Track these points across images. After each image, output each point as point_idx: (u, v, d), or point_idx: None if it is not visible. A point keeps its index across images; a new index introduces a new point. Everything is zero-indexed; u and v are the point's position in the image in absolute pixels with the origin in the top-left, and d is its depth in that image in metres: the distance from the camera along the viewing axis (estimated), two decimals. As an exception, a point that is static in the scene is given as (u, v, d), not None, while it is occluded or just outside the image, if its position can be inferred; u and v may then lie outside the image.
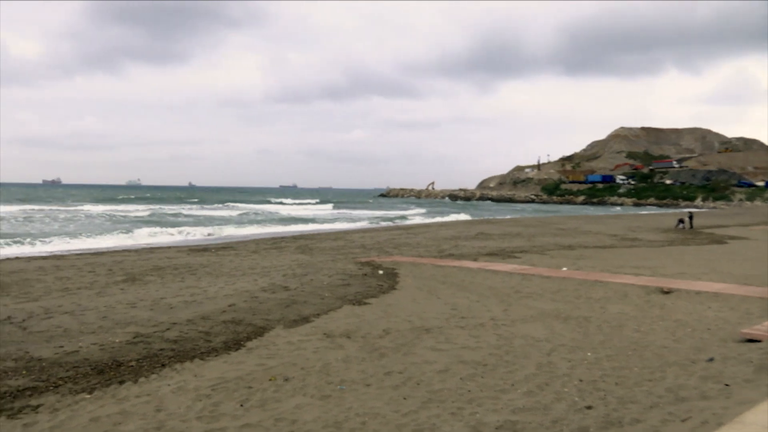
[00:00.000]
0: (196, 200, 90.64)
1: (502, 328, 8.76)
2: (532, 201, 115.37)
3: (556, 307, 10.33)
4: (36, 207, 55.09)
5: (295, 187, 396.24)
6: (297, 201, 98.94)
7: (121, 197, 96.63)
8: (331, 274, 14.21)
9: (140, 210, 56.24)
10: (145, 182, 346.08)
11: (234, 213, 54.23)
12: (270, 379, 6.33)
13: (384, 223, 43.18)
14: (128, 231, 30.64)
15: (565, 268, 15.30)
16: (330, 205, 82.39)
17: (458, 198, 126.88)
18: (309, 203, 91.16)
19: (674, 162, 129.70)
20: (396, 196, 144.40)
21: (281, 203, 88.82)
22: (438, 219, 50.35)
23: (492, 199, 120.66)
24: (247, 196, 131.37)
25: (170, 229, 30.09)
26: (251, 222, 40.54)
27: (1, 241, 23.49)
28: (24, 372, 6.61)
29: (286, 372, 6.60)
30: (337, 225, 40.69)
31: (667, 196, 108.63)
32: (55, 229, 32.52)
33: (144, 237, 27.35)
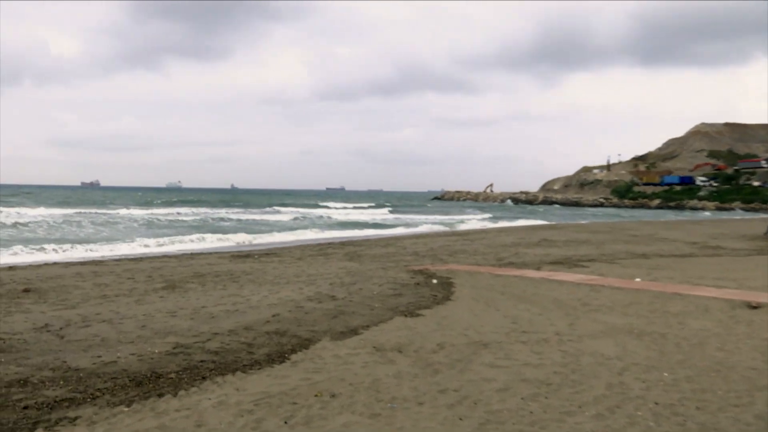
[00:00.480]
0: (240, 204, 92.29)
1: (567, 344, 8.61)
2: (601, 205, 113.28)
3: (629, 321, 10.08)
4: (74, 210, 56.92)
5: (342, 189, 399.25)
6: (348, 204, 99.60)
7: (161, 200, 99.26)
8: (381, 283, 14.22)
9: (182, 214, 57.56)
10: (185, 185, 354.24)
11: (284, 217, 54.88)
12: (316, 395, 6.35)
13: (438, 228, 43.16)
14: (170, 236, 31.41)
15: (638, 279, 14.95)
16: (386, 209, 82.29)
17: (519, 201, 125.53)
18: (363, 207, 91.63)
19: (763, 161, 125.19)
20: (451, 199, 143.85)
21: (328, 207, 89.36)
22: (497, 224, 49.94)
23: (556, 203, 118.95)
24: (293, 199, 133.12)
25: (214, 235, 30.64)
26: (305, 227, 40.97)
27: (40, 245, 24.41)
28: (61, 382, 6.81)
29: (332, 388, 6.62)
30: (395, 230, 40.90)
31: (754, 199, 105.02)
32: (93, 233, 33.54)
33: (186, 242, 27.98)
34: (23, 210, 53.81)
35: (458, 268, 17.23)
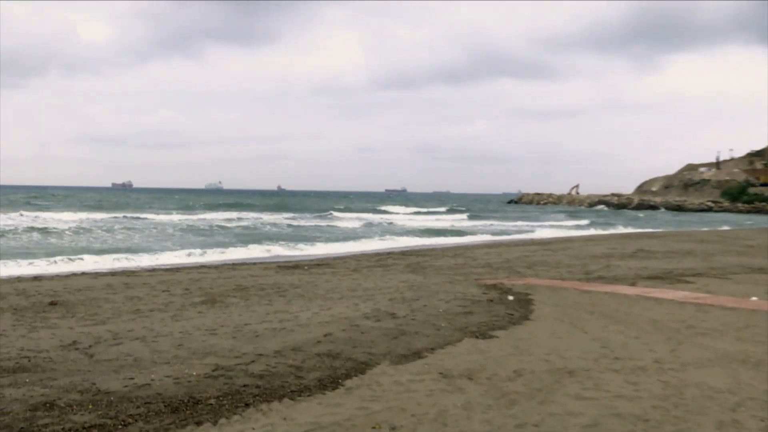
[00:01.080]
0: (290, 207, 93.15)
1: (668, 373, 8.40)
2: (709, 209, 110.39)
3: (743, 348, 9.78)
4: (105, 215, 58.67)
5: (404, 191, 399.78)
6: (416, 209, 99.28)
7: (201, 203, 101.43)
8: (448, 300, 14.21)
9: (224, 219, 58.71)
10: (227, 185, 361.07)
11: (344, 224, 55.36)
12: (373, 427, 6.36)
13: (513, 236, 42.86)
14: (210, 245, 32.08)
15: (755, 298, 14.54)
16: (464, 215, 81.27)
17: (610, 205, 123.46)
18: (435, 212, 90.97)
19: None
20: (530, 202, 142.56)
21: (388, 212, 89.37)
22: (584, 231, 49.32)
23: (655, 207, 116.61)
24: (348, 202, 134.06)
25: (261, 246, 31.05)
26: (369, 236, 41.12)
27: (67, 254, 25.28)
28: (90, 406, 6.99)
29: (393, 419, 6.61)
30: (473, 238, 40.93)
31: None
32: (125, 240, 34.56)
33: (229, 251, 28.49)
34: (49, 215, 55.76)
35: (538, 282, 17.06)
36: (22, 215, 53.67)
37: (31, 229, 38.33)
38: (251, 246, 30.14)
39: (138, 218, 55.23)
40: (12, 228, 38.43)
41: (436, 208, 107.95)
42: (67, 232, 38.09)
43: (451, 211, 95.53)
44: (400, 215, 78.88)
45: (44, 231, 37.68)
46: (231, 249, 29.17)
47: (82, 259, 23.68)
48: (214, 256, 27.02)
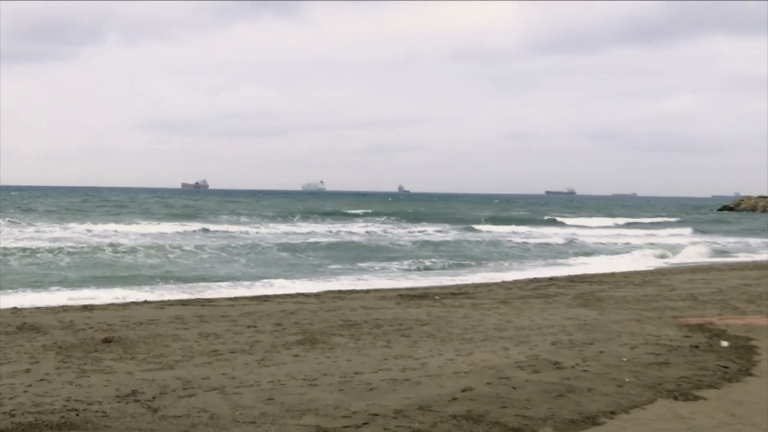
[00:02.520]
0: (414, 216, 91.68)
1: None
2: None
3: None
4: (174, 228, 59.55)
5: (572, 194, 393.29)
6: (608, 219, 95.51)
7: (298, 211, 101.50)
8: (634, 344, 13.91)
9: (329, 231, 59.53)
10: (330, 187, 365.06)
11: (519, 239, 55.00)
12: None
13: (728, 259, 41.54)
14: (311, 266, 32.70)
15: None
16: (685, 229, 75.77)
17: None
18: (641, 224, 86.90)
19: None
20: (752, 209, 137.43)
21: (562, 223, 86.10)
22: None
23: None
24: (498, 209, 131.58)
25: (378, 264, 31.28)
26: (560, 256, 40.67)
27: (122, 277, 26.30)
28: (154, 477, 7.24)
29: None
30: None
31: None
32: (198, 260, 35.71)
33: (338, 276, 28.77)
34: (108, 227, 57.16)
35: (765, 323, 16.53)
36: (68, 229, 55.68)
37: (81, 251, 39.89)
38: (367, 266, 30.34)
39: (218, 231, 56.30)
40: (56, 247, 40.08)
41: (637, 218, 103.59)
42: (121, 249, 39.47)
43: (660, 225, 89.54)
44: (585, 229, 74.93)
45: (96, 248, 39.16)
46: (335, 270, 29.44)
47: (153, 282, 24.62)
48: (315, 281, 27.42)
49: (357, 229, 65.12)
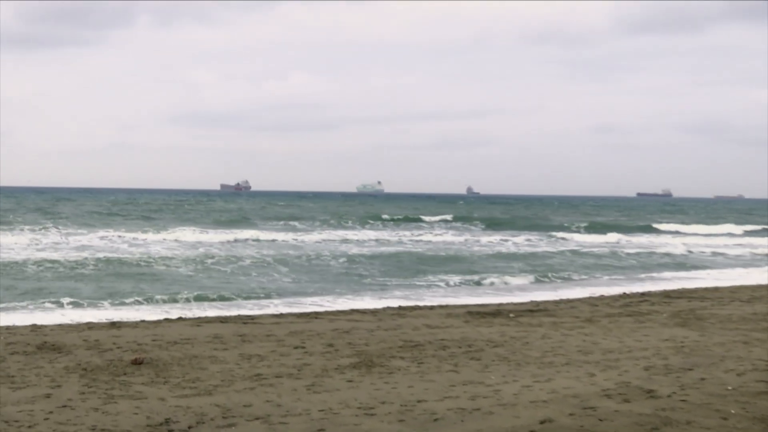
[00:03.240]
0: (503, 225, 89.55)
1: None
2: None
3: None
4: (215, 236, 59.55)
5: (668, 195, 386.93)
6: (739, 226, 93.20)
7: (355, 216, 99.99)
8: (741, 371, 13.81)
9: (391, 240, 59.07)
10: (389, 188, 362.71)
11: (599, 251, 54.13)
12: None
13: None
14: (370, 277, 32.82)
15: None
16: None
17: None
18: None
19: None
20: None
21: (658, 230, 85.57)
22: None
23: None
24: (586, 214, 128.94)
25: (450, 278, 31.21)
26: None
27: (160, 292, 26.57)
28: None
29: None
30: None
31: None
32: (241, 272, 35.80)
33: (400, 293, 28.82)
34: (139, 238, 57.44)
35: None
36: (95, 236, 55.93)
37: (109, 257, 40.24)
38: (430, 278, 30.27)
39: (257, 239, 56.36)
40: (81, 256, 40.39)
41: (747, 224, 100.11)
42: (153, 259, 39.83)
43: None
44: (684, 236, 72.59)
45: (126, 258, 39.41)
46: (396, 284, 29.41)
47: (175, 300, 24.93)
48: (372, 295, 27.59)
49: (422, 237, 64.63)
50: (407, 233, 67.97)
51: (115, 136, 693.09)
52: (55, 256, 39.03)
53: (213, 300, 25.85)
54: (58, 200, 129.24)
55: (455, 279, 32.99)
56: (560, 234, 71.38)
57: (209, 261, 39.25)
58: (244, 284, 30.93)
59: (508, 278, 32.30)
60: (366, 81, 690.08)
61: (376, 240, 59.29)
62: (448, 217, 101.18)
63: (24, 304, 23.72)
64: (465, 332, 18.07)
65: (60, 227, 61.23)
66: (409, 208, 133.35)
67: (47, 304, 23.92)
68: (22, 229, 57.08)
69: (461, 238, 63.63)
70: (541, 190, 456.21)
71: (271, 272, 35.74)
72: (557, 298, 26.96)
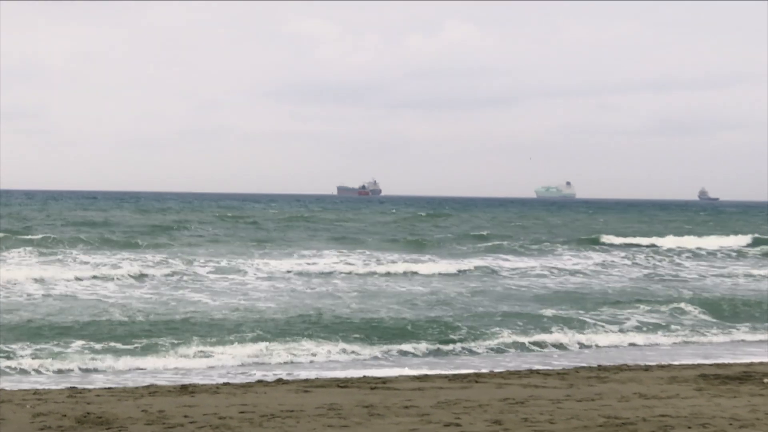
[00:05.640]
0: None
1: None
2: None
3: None
4: (326, 259, 57.56)
5: None
6: None
7: (538, 234, 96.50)
8: None
9: (595, 270, 55.97)
10: (582, 192, 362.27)
11: None
12: None
13: None
14: (561, 319, 31.52)
15: None
16: None
17: None
18: None
19: None
20: None
21: None
22: None
23: None
24: None
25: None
26: None
27: (249, 340, 25.76)
28: None
29: None
30: None
31: None
32: (372, 309, 34.80)
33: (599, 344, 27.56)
34: (222, 261, 54.86)
35: None
36: (169, 258, 54.13)
37: (184, 290, 39.56)
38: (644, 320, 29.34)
39: (406, 273, 53.63)
40: (148, 289, 39.85)
41: None
42: (246, 292, 39.25)
43: None
44: None
45: (207, 292, 38.99)
46: (594, 329, 28.57)
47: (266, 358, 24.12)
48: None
49: (631, 260, 62.35)
50: (609, 256, 65.11)
51: (190, 120, 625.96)
52: (104, 287, 38.96)
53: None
54: (117, 206, 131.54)
55: (683, 322, 31.76)
56: None
57: (327, 292, 38.92)
58: (370, 327, 29.73)
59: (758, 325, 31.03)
60: (552, 36, 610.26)
61: (571, 269, 56.44)
62: (740, 241, 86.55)
63: (60, 351, 23.32)
64: (697, 405, 16.58)
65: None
66: (608, 221, 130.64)
67: (91, 356, 23.54)
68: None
69: (697, 265, 60.03)
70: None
71: (408, 306, 35.01)
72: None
